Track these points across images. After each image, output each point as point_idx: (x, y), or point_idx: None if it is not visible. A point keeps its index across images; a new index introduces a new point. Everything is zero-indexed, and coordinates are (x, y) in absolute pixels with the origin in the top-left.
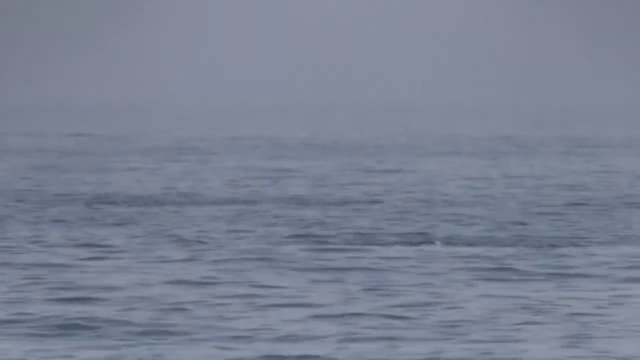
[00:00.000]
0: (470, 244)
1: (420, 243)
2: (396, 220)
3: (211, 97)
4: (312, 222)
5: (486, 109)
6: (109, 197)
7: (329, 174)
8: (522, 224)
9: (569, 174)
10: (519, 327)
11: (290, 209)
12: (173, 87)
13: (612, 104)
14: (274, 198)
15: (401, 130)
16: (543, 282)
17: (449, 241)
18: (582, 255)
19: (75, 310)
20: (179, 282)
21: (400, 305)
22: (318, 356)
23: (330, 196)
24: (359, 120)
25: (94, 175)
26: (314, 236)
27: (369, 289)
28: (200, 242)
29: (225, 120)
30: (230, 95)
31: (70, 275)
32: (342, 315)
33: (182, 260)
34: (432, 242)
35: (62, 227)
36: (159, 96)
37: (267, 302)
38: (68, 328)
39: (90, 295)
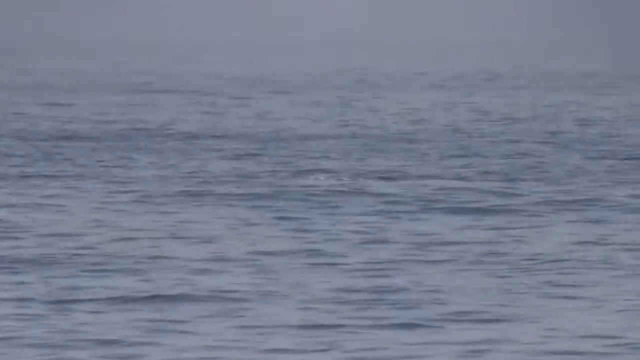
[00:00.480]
0: (399, 178)
1: (356, 178)
2: (338, 155)
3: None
4: (248, 157)
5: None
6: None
7: (280, 109)
8: (462, 157)
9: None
10: (435, 264)
11: (228, 143)
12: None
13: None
14: (215, 133)
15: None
16: (464, 218)
17: (381, 176)
18: (513, 190)
19: None
20: (97, 220)
21: (319, 242)
22: (235, 291)
23: (274, 132)
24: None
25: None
26: (248, 172)
27: (290, 229)
28: (129, 177)
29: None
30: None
31: None
32: (251, 253)
33: (107, 196)
34: (368, 177)
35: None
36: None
37: (184, 235)
38: None
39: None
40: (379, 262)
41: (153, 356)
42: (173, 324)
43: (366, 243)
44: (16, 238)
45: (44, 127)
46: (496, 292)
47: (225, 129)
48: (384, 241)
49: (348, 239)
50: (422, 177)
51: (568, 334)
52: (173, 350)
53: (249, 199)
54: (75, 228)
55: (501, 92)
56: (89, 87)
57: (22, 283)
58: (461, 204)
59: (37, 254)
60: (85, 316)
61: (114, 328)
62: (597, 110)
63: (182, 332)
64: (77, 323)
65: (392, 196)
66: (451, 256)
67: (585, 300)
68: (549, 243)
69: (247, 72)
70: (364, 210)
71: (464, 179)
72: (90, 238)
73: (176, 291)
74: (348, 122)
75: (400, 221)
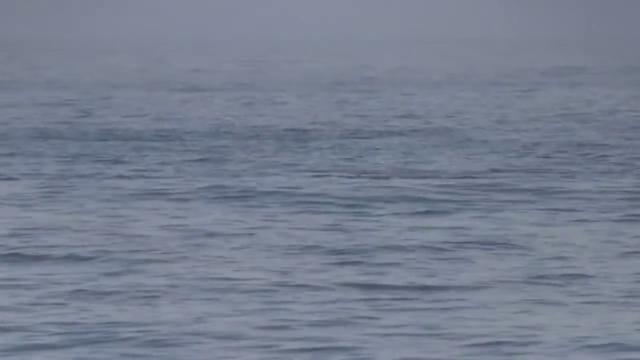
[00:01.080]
0: (440, 176)
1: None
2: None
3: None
4: (290, 153)
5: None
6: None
7: (316, 106)
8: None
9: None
10: (467, 261)
11: (266, 140)
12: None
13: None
14: (253, 130)
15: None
16: (499, 215)
17: (423, 174)
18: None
19: None
20: (128, 217)
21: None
22: (262, 288)
23: (316, 128)
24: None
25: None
26: (289, 168)
27: (324, 227)
28: (165, 174)
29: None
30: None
31: None
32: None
33: (139, 193)
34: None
35: None
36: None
37: (216, 232)
38: None
39: None
40: (409, 260)
41: (177, 354)
42: (200, 320)
43: (401, 241)
44: (49, 235)
45: (88, 124)
46: (525, 284)
47: (263, 126)
48: (418, 239)
49: (384, 236)
50: (464, 174)
51: (594, 328)
52: (199, 350)
53: (288, 195)
54: (106, 225)
55: (553, 88)
56: (133, 84)
57: (48, 280)
58: (497, 202)
59: (66, 251)
60: (111, 312)
61: (139, 325)
62: None
63: (209, 329)
64: (102, 320)
65: (431, 193)
66: (484, 253)
67: (619, 294)
68: (588, 238)
69: (290, 70)
70: (405, 209)
71: (504, 175)
72: (120, 236)
73: (205, 287)
74: (393, 119)
75: (436, 219)
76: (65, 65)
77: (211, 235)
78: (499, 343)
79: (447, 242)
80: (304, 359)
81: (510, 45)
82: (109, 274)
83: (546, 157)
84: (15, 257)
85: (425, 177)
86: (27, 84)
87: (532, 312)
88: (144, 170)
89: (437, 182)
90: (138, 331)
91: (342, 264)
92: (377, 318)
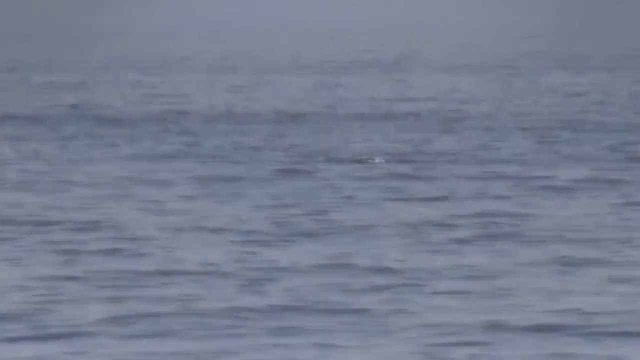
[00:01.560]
0: (451, 161)
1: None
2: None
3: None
4: (302, 136)
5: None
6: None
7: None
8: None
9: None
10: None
11: (279, 123)
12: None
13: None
14: (256, 111)
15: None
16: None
17: (428, 158)
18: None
19: None
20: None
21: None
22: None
23: (328, 112)
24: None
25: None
26: (301, 152)
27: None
28: (175, 158)
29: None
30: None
31: None
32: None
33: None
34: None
35: None
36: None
37: (222, 215)
38: None
39: None
40: (390, 244)
41: (154, 342)
42: (180, 306)
43: (386, 225)
44: (30, 219)
45: (86, 107)
46: (507, 271)
47: (260, 109)
48: (404, 224)
49: (367, 220)
50: (459, 159)
51: (582, 309)
52: (178, 337)
53: (274, 181)
54: (90, 210)
55: (556, 73)
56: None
57: (26, 266)
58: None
59: (47, 236)
60: (89, 300)
61: (119, 312)
62: None
63: (208, 308)
64: (78, 310)
65: (425, 178)
66: (479, 232)
67: (610, 273)
68: (581, 220)
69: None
70: (396, 193)
71: (500, 160)
72: (102, 221)
73: (209, 268)
74: (399, 102)
75: (427, 204)
76: (69, 50)
77: (195, 220)
78: (474, 331)
79: (435, 226)
80: (273, 343)
81: (507, 32)
82: (89, 261)
83: (543, 142)
84: None
85: (418, 162)
86: (32, 67)
87: (507, 296)
88: (133, 154)
89: (430, 166)
90: (117, 320)
91: (321, 249)
92: (349, 302)
